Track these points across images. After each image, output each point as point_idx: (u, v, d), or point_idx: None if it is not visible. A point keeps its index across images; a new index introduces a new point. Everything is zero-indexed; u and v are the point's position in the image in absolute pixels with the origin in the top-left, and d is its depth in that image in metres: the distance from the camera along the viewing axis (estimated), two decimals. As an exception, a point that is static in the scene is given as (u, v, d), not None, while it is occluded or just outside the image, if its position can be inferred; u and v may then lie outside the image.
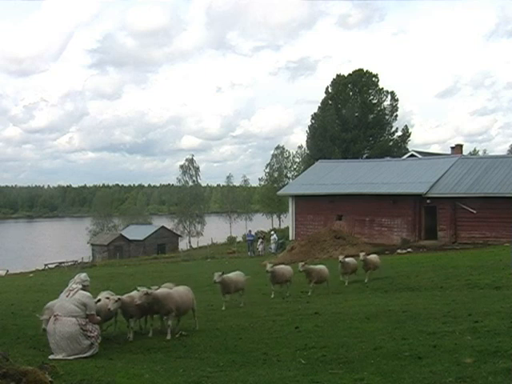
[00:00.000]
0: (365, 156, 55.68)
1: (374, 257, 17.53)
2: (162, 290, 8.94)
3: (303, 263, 14.82)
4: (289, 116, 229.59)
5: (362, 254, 16.85)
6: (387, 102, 58.82)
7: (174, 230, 68.78)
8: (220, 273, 11.91)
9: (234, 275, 12.71)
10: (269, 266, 14.08)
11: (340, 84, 57.79)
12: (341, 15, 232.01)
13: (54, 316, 7.49)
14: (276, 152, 72.31)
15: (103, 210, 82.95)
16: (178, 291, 9.14)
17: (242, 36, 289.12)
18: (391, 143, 58.13)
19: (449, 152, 38.58)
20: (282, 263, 27.10)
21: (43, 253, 62.72)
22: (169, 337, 8.57)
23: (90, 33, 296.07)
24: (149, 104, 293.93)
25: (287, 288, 14.73)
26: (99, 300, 8.27)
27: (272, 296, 14.08)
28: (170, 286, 10.19)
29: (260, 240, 39.65)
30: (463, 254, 22.67)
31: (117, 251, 57.06)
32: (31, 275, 35.14)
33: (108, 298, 8.56)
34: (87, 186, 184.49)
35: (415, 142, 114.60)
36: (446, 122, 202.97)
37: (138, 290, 8.66)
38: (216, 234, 64.51)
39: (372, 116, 58.32)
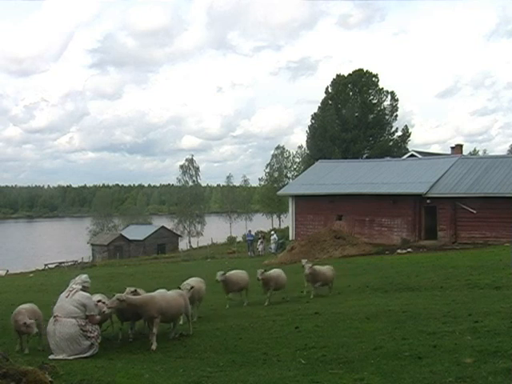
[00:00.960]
0: (365, 156, 55.65)
1: (326, 269, 14.53)
2: (142, 296, 8.52)
3: (262, 271, 13.19)
4: (289, 116, 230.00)
5: (304, 261, 14.29)
6: (387, 102, 58.85)
7: (174, 230, 68.80)
8: (189, 286, 10.12)
9: (196, 283, 10.99)
10: (219, 275, 12.46)
11: (340, 84, 57.78)
12: (341, 15, 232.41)
13: (54, 317, 7.50)
14: (276, 152, 72.41)
15: (103, 210, 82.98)
16: (165, 295, 8.68)
17: (242, 36, 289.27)
18: (391, 143, 58.10)
19: (449, 152, 38.58)
20: (282, 263, 27.23)
21: (43, 253, 62.71)
22: (154, 346, 7.85)
23: (90, 33, 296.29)
24: (149, 104, 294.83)
25: (245, 296, 13.56)
26: (100, 300, 8.26)
27: (227, 307, 12.71)
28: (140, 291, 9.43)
29: (260, 240, 39.66)
30: (463, 254, 22.64)
31: (117, 251, 57.08)
32: (31, 275, 35.14)
33: (100, 300, 8.45)
34: (87, 186, 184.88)
35: (415, 142, 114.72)
36: (446, 121, 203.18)
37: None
38: (216, 234, 64.52)
39: (372, 116, 58.30)
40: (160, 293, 8.82)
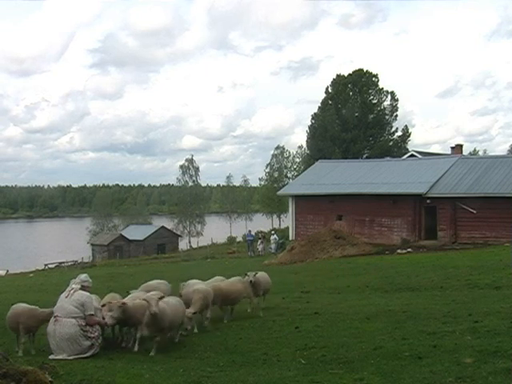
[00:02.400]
0: (365, 156, 55.63)
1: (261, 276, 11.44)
2: (135, 305, 8.07)
3: (183, 284, 10.15)
4: (290, 116, 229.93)
5: (251, 274, 10.94)
6: (387, 102, 58.82)
7: (174, 230, 68.79)
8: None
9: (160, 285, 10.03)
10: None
11: (340, 84, 57.77)
12: (343, 15, 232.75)
13: (54, 317, 7.49)
14: (276, 152, 72.27)
15: (103, 210, 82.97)
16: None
17: (243, 36, 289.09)
18: (391, 143, 58.08)
19: (449, 152, 38.55)
20: (282, 263, 27.23)
21: (43, 253, 62.71)
22: (153, 353, 7.59)
23: (91, 33, 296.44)
24: (150, 104, 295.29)
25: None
26: (104, 305, 8.21)
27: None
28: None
29: (260, 240, 39.65)
30: (463, 254, 22.65)
31: (117, 251, 57.07)
32: (31, 275, 35.18)
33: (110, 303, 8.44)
34: (87, 186, 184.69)
35: (415, 142, 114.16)
36: (447, 121, 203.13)
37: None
38: (216, 234, 64.51)
39: (372, 116, 58.26)
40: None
